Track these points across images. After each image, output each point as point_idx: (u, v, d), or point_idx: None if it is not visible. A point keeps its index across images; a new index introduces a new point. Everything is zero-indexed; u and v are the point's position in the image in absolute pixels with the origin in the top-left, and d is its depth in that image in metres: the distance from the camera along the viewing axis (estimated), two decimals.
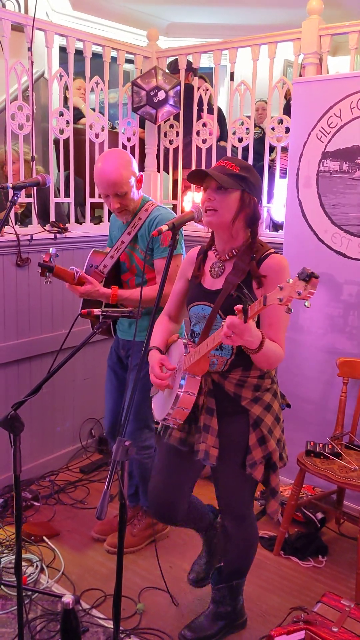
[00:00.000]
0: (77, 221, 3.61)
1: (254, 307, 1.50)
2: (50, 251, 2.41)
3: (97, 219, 3.95)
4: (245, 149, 3.54)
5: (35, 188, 3.12)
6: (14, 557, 2.44)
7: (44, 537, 2.83)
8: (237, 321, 1.53)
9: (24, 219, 3.50)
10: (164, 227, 1.83)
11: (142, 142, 4.03)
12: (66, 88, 3.74)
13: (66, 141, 3.39)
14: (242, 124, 3.50)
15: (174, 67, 3.98)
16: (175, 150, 3.94)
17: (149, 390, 2.14)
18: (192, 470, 2.11)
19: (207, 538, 2.42)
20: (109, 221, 3.99)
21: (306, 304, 1.36)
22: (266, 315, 1.81)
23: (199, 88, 3.70)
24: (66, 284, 2.48)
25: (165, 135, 3.96)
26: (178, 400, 1.85)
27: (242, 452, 1.94)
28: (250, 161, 3.44)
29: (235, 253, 1.92)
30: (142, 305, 2.26)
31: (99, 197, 3.67)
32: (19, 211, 3.42)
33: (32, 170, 3.19)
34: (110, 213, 4.19)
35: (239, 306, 1.51)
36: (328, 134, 2.91)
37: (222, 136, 4.34)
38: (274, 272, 1.83)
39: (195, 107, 3.74)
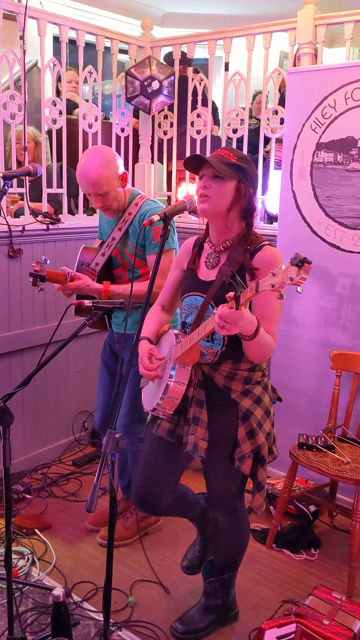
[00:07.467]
0: (70, 212, 3.58)
1: (246, 293, 1.48)
2: (41, 259, 2.40)
3: (90, 210, 3.92)
4: (240, 140, 3.51)
5: (27, 178, 3.08)
6: (4, 549, 2.43)
7: (36, 530, 2.82)
8: (227, 310, 1.51)
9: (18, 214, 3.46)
10: (156, 217, 1.81)
11: (136, 132, 3.99)
12: (58, 79, 3.69)
13: (59, 131, 3.36)
14: (237, 115, 3.48)
15: (172, 60, 3.94)
16: (170, 141, 3.91)
17: None
18: (178, 462, 2.09)
19: (201, 526, 2.40)
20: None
21: (298, 289, 1.34)
22: (258, 306, 1.80)
23: (193, 78, 3.67)
24: (56, 285, 2.46)
25: (159, 125, 3.93)
26: (168, 390, 1.84)
27: (230, 445, 1.93)
28: (245, 152, 3.41)
29: (229, 244, 1.90)
30: (134, 301, 2.26)
31: None
32: (12, 206, 3.35)
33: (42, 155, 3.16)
34: None
35: (231, 294, 1.49)
36: (322, 124, 2.89)
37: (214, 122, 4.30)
38: (267, 265, 1.80)
39: (190, 98, 3.71)
